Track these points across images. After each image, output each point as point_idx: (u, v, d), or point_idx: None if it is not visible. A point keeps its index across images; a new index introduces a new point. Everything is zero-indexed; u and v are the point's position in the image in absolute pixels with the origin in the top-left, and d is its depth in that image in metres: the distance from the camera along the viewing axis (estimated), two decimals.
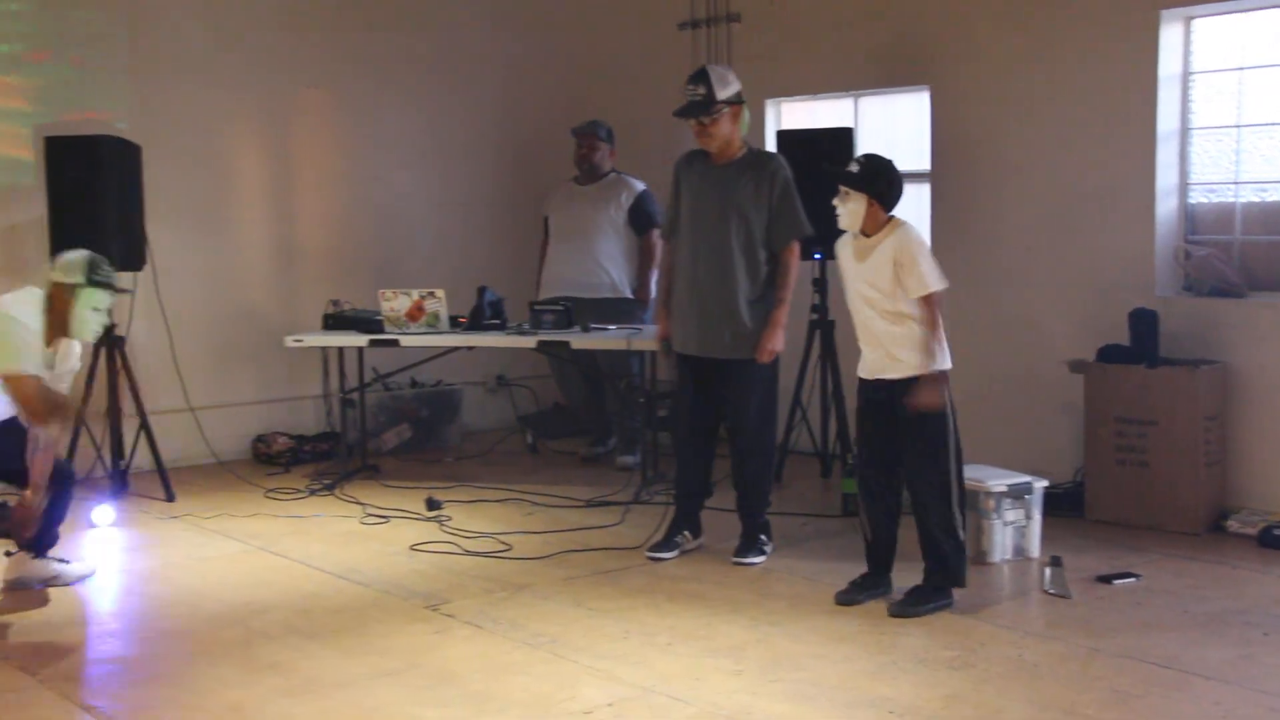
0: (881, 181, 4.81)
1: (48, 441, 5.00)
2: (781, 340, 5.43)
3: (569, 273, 7.36)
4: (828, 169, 4.96)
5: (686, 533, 5.64)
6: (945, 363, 4.81)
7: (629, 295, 7.36)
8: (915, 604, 4.77)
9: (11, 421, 5.08)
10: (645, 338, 6.47)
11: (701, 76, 5.40)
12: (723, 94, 5.36)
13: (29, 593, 5.16)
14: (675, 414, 5.95)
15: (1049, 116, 6.63)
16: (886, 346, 4.82)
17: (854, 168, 4.84)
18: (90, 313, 5.06)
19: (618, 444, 7.57)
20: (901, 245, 4.77)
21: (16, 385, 4.91)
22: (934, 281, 4.76)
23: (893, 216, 4.85)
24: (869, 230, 4.83)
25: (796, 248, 5.46)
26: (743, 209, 5.40)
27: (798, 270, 5.49)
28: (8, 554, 5.24)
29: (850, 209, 4.81)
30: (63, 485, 5.24)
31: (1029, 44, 6.69)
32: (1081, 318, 6.52)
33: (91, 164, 6.48)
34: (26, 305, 5.02)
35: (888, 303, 4.80)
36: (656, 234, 7.35)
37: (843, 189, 4.82)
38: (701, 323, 5.47)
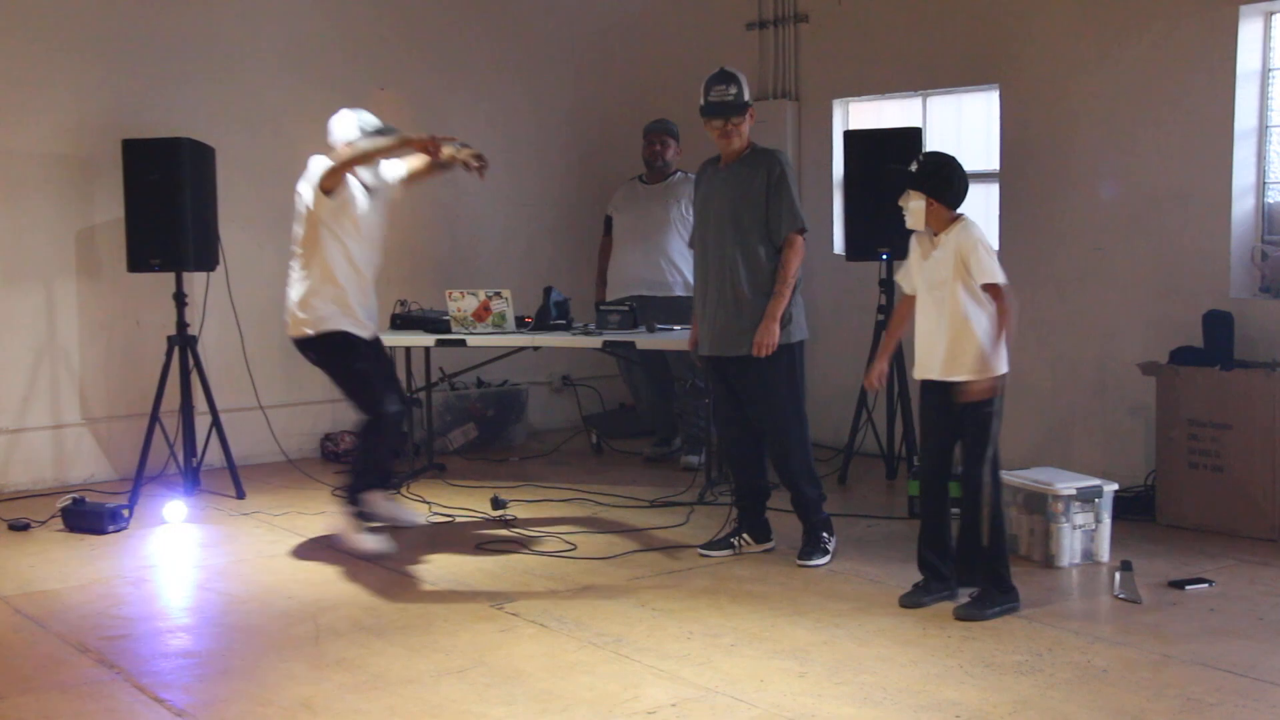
0: (939, 180, 4.78)
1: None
2: (775, 334, 5.32)
3: (641, 272, 7.38)
4: (891, 169, 4.94)
5: (746, 536, 5.63)
6: (1002, 366, 4.78)
7: None
8: (981, 607, 4.73)
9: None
10: None
11: (732, 78, 5.43)
12: (747, 96, 5.45)
13: (110, 585, 5.28)
14: (714, 418, 5.94)
15: (1122, 114, 6.54)
16: (941, 347, 4.78)
17: (913, 166, 4.83)
18: (372, 164, 5.76)
19: (682, 444, 7.57)
20: (961, 240, 4.75)
21: (333, 164, 5.61)
22: (997, 272, 4.73)
23: (960, 215, 4.82)
24: (936, 229, 4.81)
25: (797, 241, 5.39)
26: (743, 206, 5.41)
27: (799, 263, 5.39)
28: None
29: (912, 208, 4.81)
30: (388, 428, 5.87)
31: (1101, 40, 6.60)
32: (1154, 319, 6.43)
33: (167, 166, 6.60)
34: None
35: (948, 303, 4.75)
36: None
37: (907, 188, 4.82)
38: (712, 322, 5.50)
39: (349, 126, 5.74)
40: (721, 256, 5.45)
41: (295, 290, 5.75)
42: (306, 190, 5.68)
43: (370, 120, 5.76)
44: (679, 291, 7.33)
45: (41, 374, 7.09)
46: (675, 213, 7.39)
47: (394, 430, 5.90)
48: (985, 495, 4.76)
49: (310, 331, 5.73)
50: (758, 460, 5.62)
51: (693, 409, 7.32)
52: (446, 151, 5.69)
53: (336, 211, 5.65)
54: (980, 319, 4.73)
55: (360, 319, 5.79)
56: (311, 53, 7.83)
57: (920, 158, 4.89)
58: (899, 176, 4.85)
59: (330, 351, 5.77)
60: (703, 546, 5.64)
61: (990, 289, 4.73)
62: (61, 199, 7.12)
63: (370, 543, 5.60)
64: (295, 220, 5.80)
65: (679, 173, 7.52)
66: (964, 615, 4.71)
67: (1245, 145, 6.18)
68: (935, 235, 4.82)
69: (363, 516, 5.72)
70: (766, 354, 5.33)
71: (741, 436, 5.60)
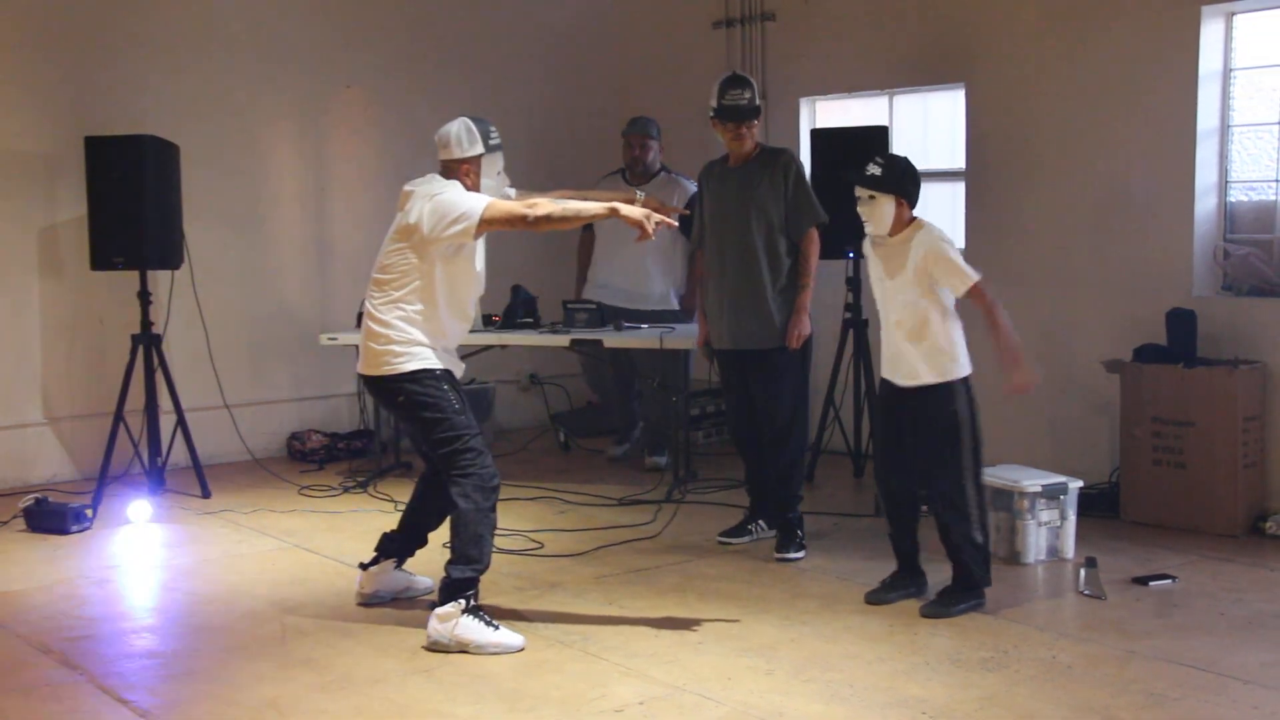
0: (908, 180, 4.77)
1: None
2: (807, 324, 5.53)
3: (618, 281, 7.26)
4: (848, 176, 4.85)
5: (761, 523, 5.77)
6: (965, 368, 4.78)
7: (675, 307, 7.27)
8: (947, 604, 4.75)
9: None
10: (677, 336, 6.47)
11: (745, 83, 5.57)
12: (759, 101, 5.58)
13: (74, 586, 5.23)
14: (728, 413, 6.07)
15: (1086, 114, 6.58)
16: (908, 356, 4.78)
17: (876, 170, 4.76)
18: (496, 178, 4.76)
19: (641, 441, 7.54)
20: (930, 248, 4.71)
21: (494, 216, 4.49)
22: (972, 271, 4.72)
23: (915, 217, 4.81)
24: (894, 232, 4.78)
25: (815, 234, 5.57)
26: (762, 204, 5.52)
27: (818, 256, 5.60)
28: (363, 566, 4.98)
29: (880, 212, 4.75)
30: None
31: (1067, 41, 6.64)
32: (1118, 317, 6.47)
33: (131, 164, 6.55)
34: (442, 182, 4.68)
35: (913, 311, 4.74)
36: None
37: (865, 193, 4.76)
38: (732, 317, 5.58)
39: (475, 139, 4.71)
40: (743, 254, 5.53)
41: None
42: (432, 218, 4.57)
43: (494, 131, 4.78)
44: (653, 305, 7.18)
45: (2, 373, 7.02)
46: None
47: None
48: (971, 501, 4.74)
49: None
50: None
51: (659, 408, 7.32)
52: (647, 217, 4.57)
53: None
54: (944, 321, 4.74)
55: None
56: (277, 49, 7.78)
57: (879, 160, 4.82)
58: (863, 181, 4.77)
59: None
60: (722, 534, 5.77)
61: (971, 293, 4.69)
62: (24, 197, 7.04)
63: (510, 638, 4.46)
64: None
65: (663, 172, 7.35)
66: (930, 613, 4.73)
67: (1207, 145, 6.23)
68: (890, 239, 4.78)
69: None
70: (798, 344, 5.49)
71: (755, 430, 5.67)
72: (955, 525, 4.79)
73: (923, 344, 4.75)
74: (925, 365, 4.76)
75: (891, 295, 4.82)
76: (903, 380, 4.83)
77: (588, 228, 7.59)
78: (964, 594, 4.78)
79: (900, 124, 7.58)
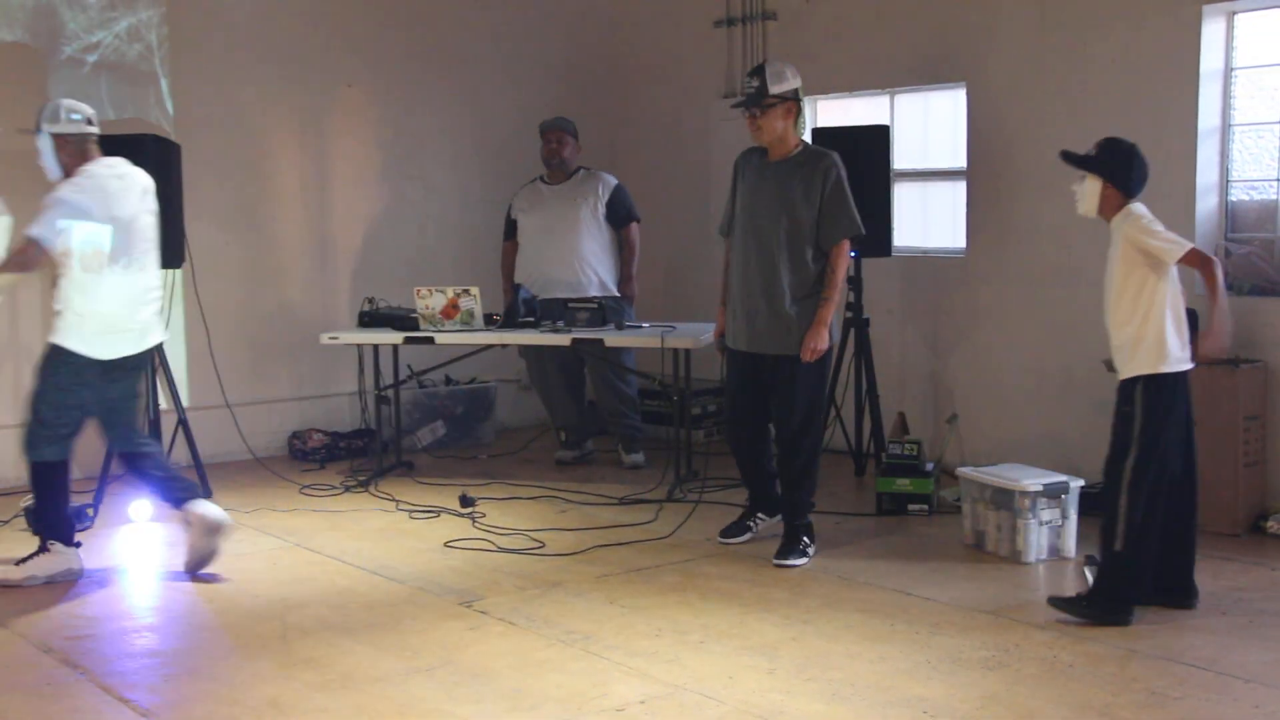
0: (1117, 164, 4.67)
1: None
2: (826, 339, 5.43)
3: (558, 274, 7.27)
4: (1064, 154, 4.79)
5: (761, 515, 5.75)
6: (1161, 365, 4.62)
7: (616, 294, 7.34)
8: (1080, 610, 4.62)
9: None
10: (678, 335, 6.48)
11: (758, 70, 5.45)
12: (776, 89, 5.38)
13: (75, 585, 5.23)
14: (725, 406, 6.06)
15: (1087, 113, 6.57)
16: (1114, 344, 4.70)
17: (1091, 150, 4.71)
18: None
19: (616, 440, 7.53)
20: (1130, 223, 4.62)
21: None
22: (1180, 240, 4.57)
23: (1128, 203, 4.68)
24: (1107, 216, 4.69)
25: (846, 246, 5.46)
26: (793, 206, 5.41)
27: (846, 268, 5.51)
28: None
29: (1085, 192, 4.71)
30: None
31: (1067, 40, 6.64)
32: None
33: (132, 163, 6.52)
34: None
35: (1117, 298, 4.66)
36: (635, 227, 7.41)
37: (1079, 171, 4.71)
38: (750, 319, 5.51)
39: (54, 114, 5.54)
40: (762, 254, 5.44)
41: None
42: None
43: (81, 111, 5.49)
44: (594, 293, 7.23)
45: (4, 372, 7.02)
46: (585, 212, 7.30)
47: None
48: (1121, 496, 4.60)
49: None
50: (767, 446, 5.71)
51: (632, 405, 7.39)
52: None
53: None
54: (1156, 309, 4.62)
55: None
56: (278, 49, 7.78)
57: (1101, 141, 4.74)
58: (1070, 159, 4.72)
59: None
60: (721, 534, 5.74)
61: (1189, 258, 4.57)
62: (24, 195, 7.03)
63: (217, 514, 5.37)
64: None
65: (581, 170, 7.44)
66: (1058, 603, 4.64)
67: (1208, 144, 6.23)
68: (1108, 222, 4.70)
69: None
70: (813, 358, 5.39)
71: (758, 429, 5.66)
72: (1105, 531, 4.64)
73: (1127, 330, 4.65)
74: (1127, 356, 4.65)
75: (1108, 268, 4.73)
76: (1116, 369, 4.73)
77: (510, 236, 7.58)
78: (1095, 606, 4.63)
79: (901, 123, 7.58)
